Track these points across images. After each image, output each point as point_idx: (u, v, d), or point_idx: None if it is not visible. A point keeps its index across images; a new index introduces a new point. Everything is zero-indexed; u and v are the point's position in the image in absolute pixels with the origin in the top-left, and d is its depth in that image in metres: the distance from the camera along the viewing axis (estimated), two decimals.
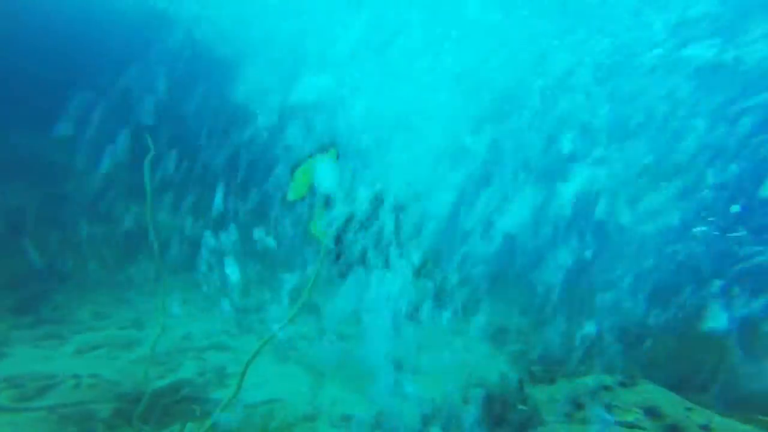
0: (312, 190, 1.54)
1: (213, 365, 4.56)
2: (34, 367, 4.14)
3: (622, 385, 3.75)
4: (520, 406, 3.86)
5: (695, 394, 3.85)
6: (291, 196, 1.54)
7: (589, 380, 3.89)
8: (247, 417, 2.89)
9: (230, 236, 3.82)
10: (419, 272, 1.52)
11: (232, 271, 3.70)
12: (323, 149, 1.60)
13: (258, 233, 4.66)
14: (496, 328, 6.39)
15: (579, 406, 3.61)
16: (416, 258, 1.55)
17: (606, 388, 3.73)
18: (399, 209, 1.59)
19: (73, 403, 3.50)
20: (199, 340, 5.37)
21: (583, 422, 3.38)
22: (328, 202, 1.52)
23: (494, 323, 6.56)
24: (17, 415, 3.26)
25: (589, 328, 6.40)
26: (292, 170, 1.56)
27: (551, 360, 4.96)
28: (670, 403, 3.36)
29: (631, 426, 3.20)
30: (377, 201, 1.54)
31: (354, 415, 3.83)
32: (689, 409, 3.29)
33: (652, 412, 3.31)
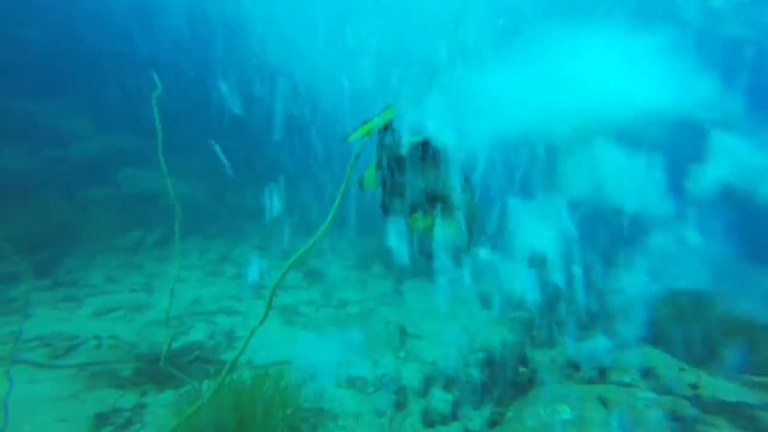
0: (371, 134, 1.52)
1: (222, 329, 4.76)
2: (57, 327, 4.34)
3: (621, 348, 3.87)
4: (521, 368, 4.01)
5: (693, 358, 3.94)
6: (351, 138, 1.52)
7: (589, 344, 4.01)
8: (258, 376, 3.04)
9: None
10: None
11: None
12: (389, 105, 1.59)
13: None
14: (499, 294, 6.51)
15: (577, 368, 3.77)
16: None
17: (605, 350, 3.86)
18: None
19: (98, 362, 3.72)
20: (208, 304, 5.56)
21: (581, 382, 3.53)
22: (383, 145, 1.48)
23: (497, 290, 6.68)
24: (54, 372, 3.50)
25: (589, 294, 6.51)
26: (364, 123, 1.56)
27: (553, 325, 5.07)
28: (665, 365, 3.51)
29: (626, 385, 3.35)
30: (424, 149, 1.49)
31: (360, 375, 4.02)
32: (682, 369, 3.44)
33: (647, 373, 3.45)
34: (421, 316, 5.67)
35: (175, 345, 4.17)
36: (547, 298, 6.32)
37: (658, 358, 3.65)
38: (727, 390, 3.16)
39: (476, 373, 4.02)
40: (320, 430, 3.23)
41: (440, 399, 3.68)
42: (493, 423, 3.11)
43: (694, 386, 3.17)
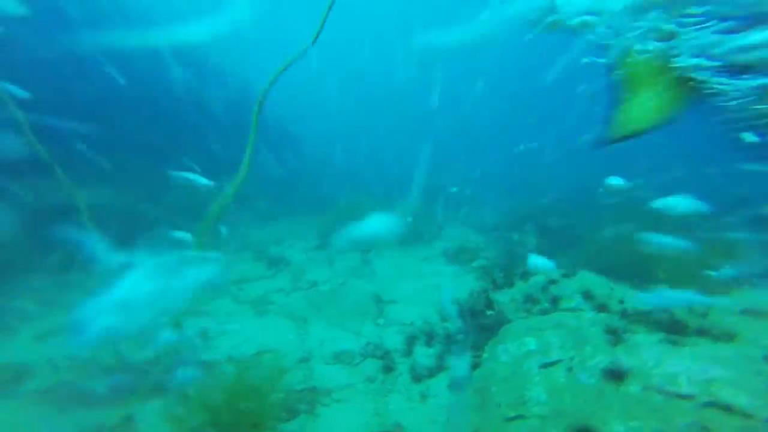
0: None
1: (192, 330, 4.51)
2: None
3: (565, 276, 4.41)
4: (488, 312, 4.43)
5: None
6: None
7: (540, 278, 4.50)
8: (240, 370, 2.99)
9: None
10: None
11: None
12: None
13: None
14: (458, 248, 6.94)
15: (534, 301, 4.26)
16: None
17: (553, 281, 4.38)
18: None
19: (62, 384, 3.37)
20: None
21: (540, 314, 4.00)
22: None
23: (457, 244, 7.10)
24: (12, 401, 3.15)
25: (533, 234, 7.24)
26: None
27: (509, 266, 5.49)
28: (599, 286, 4.08)
29: (573, 310, 3.90)
30: None
31: (344, 349, 4.14)
32: (612, 288, 4.05)
33: (587, 295, 4.01)
34: (393, 281, 5.89)
35: (148, 354, 3.89)
36: (503, 246, 6.90)
37: (592, 280, 4.22)
38: (644, 300, 3.83)
39: (452, 325, 4.38)
40: (318, 406, 3.33)
41: (424, 355, 3.97)
42: (474, 366, 3.45)
43: (621, 301, 3.78)
